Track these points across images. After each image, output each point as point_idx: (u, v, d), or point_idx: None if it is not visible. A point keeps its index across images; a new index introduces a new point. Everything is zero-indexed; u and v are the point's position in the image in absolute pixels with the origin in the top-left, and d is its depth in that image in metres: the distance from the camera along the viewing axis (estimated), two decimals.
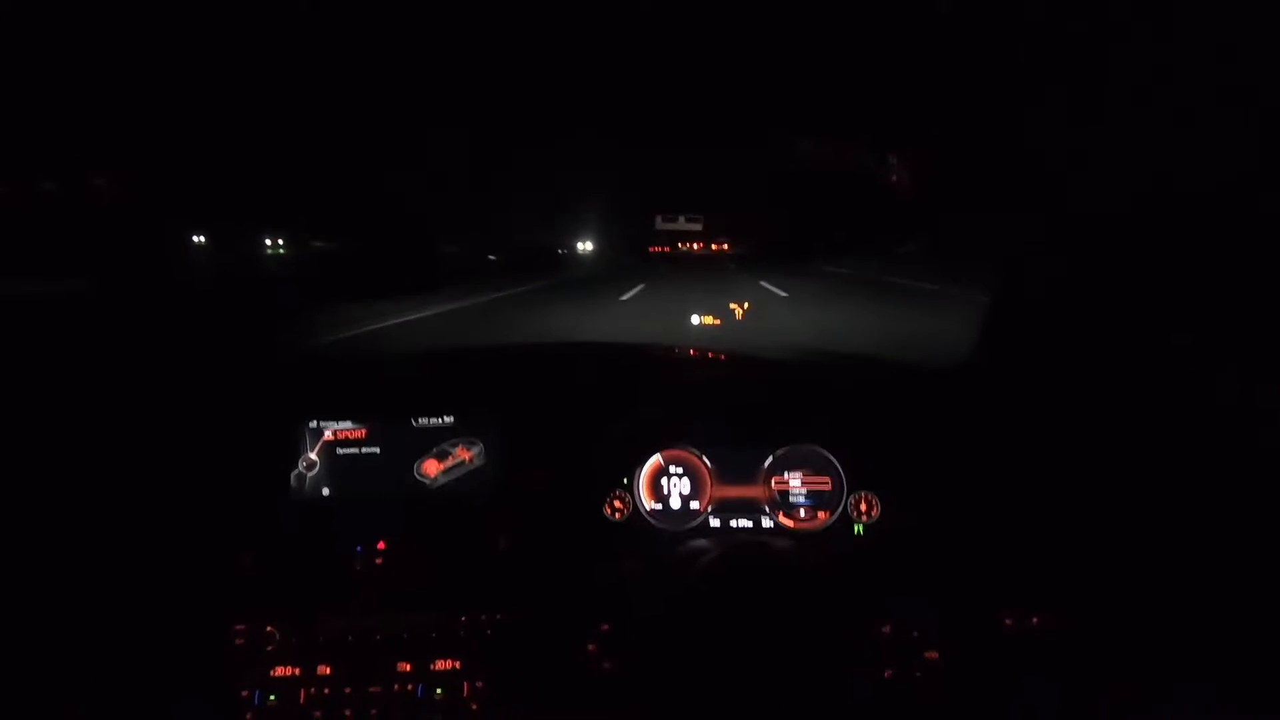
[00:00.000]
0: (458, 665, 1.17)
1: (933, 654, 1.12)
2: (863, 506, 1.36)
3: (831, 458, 1.38)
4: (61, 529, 1.22)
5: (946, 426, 1.38)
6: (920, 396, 1.46)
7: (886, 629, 1.13)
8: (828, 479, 1.38)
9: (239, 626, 1.17)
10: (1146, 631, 1.15)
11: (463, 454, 1.36)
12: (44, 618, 1.17)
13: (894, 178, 1.89)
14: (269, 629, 1.17)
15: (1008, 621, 1.17)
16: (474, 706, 1.16)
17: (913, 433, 1.37)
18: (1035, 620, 1.17)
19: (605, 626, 1.12)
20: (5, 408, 1.30)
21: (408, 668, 1.17)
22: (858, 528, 1.36)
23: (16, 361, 1.43)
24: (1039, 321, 1.45)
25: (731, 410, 1.44)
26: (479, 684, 1.17)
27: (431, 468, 1.35)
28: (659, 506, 1.38)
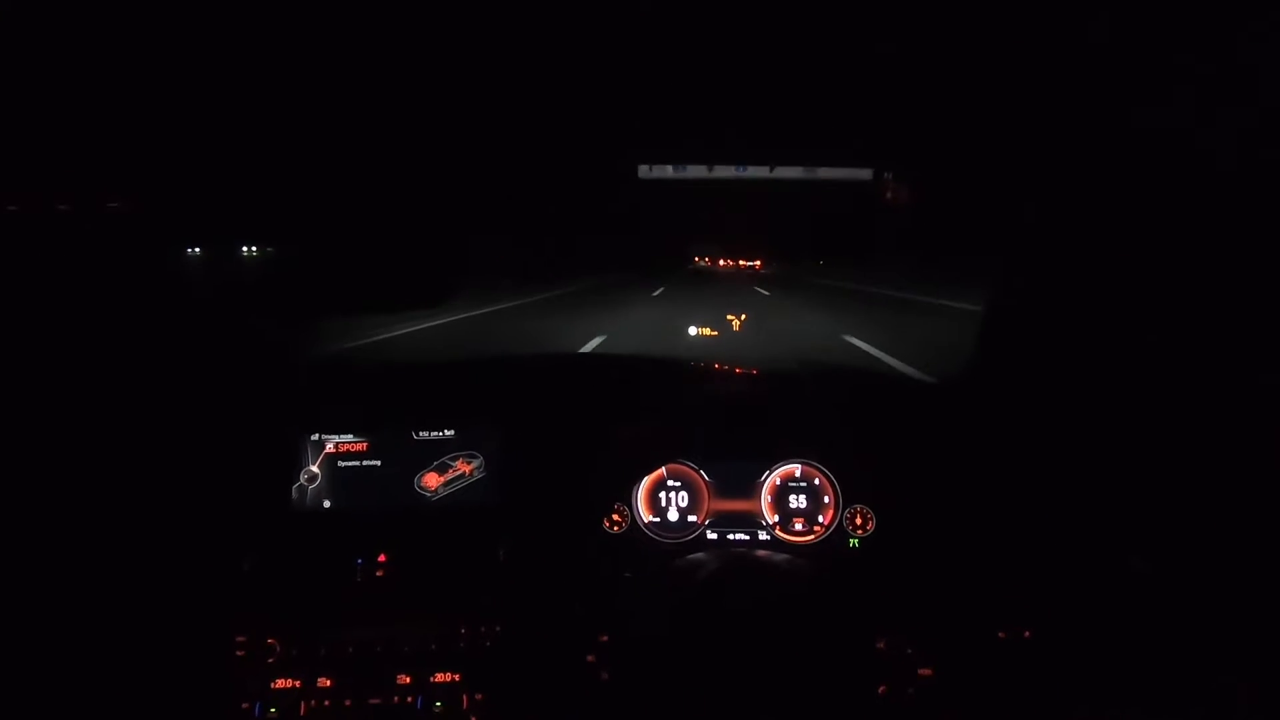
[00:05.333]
0: (457, 678, 1.18)
1: (927, 670, 1.13)
2: (858, 520, 1.37)
3: (827, 472, 1.40)
4: (63, 537, 1.22)
5: (939, 439, 1.40)
6: (914, 409, 1.48)
7: (881, 644, 1.14)
8: (824, 493, 1.39)
9: (240, 638, 1.18)
10: (1138, 647, 1.16)
11: (463, 467, 1.37)
12: (45, 626, 1.18)
13: (889, 194, 1.91)
14: (270, 641, 1.18)
15: (1000, 635, 1.18)
16: (473, 719, 1.17)
17: (906, 446, 1.39)
18: (1027, 634, 1.18)
19: (604, 637, 1.13)
20: (11, 414, 1.31)
21: (408, 680, 1.17)
22: (853, 541, 1.37)
23: (23, 368, 1.44)
24: (1033, 334, 1.46)
25: (728, 425, 1.46)
26: (479, 696, 1.18)
27: (432, 480, 1.36)
28: (657, 519, 1.40)
